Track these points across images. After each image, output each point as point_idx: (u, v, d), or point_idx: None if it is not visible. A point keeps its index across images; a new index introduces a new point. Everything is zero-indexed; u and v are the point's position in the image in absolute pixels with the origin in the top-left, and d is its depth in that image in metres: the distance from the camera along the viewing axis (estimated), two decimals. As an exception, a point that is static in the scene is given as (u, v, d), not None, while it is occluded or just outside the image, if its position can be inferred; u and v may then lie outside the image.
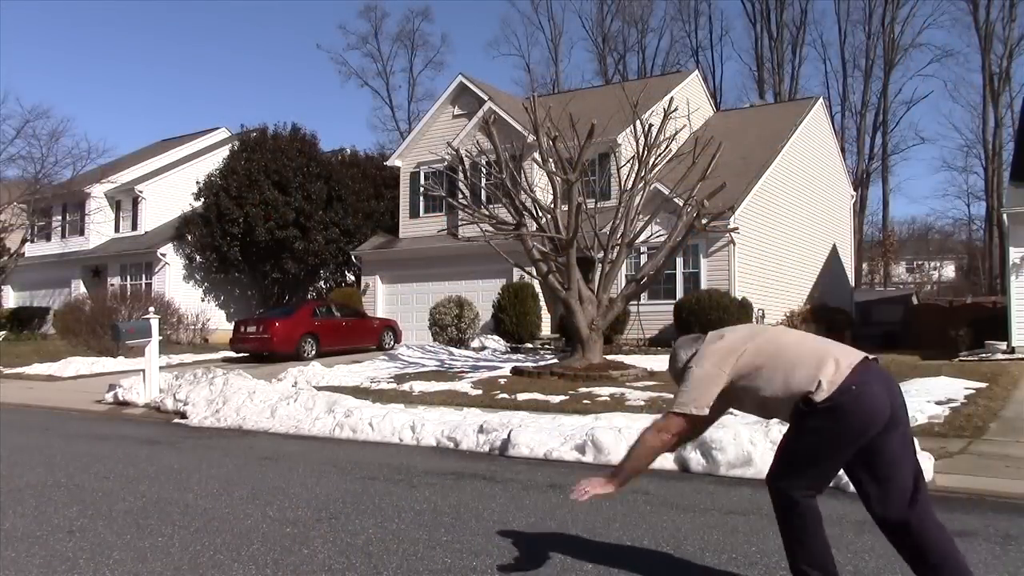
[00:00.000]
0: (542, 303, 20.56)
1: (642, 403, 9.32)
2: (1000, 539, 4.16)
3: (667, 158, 14.54)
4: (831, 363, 2.87)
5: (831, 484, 5.32)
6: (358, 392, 11.18)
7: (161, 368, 12.10)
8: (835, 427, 2.82)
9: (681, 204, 14.07)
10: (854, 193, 30.28)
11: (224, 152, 28.11)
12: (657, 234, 17.29)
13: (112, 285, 26.99)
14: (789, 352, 3.00)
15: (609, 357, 13.91)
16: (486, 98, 22.73)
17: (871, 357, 2.94)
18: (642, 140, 13.36)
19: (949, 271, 54.83)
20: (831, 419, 2.81)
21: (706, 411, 3.03)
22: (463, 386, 11.66)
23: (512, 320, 19.95)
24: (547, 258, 13.65)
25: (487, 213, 14.42)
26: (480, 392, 10.96)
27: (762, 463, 5.85)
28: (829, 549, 3.01)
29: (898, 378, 11.41)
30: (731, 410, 3.34)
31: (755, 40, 48.23)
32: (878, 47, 45.30)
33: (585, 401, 9.70)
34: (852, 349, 3.01)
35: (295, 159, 25.78)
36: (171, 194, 29.11)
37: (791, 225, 22.42)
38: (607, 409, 8.76)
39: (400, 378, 13.06)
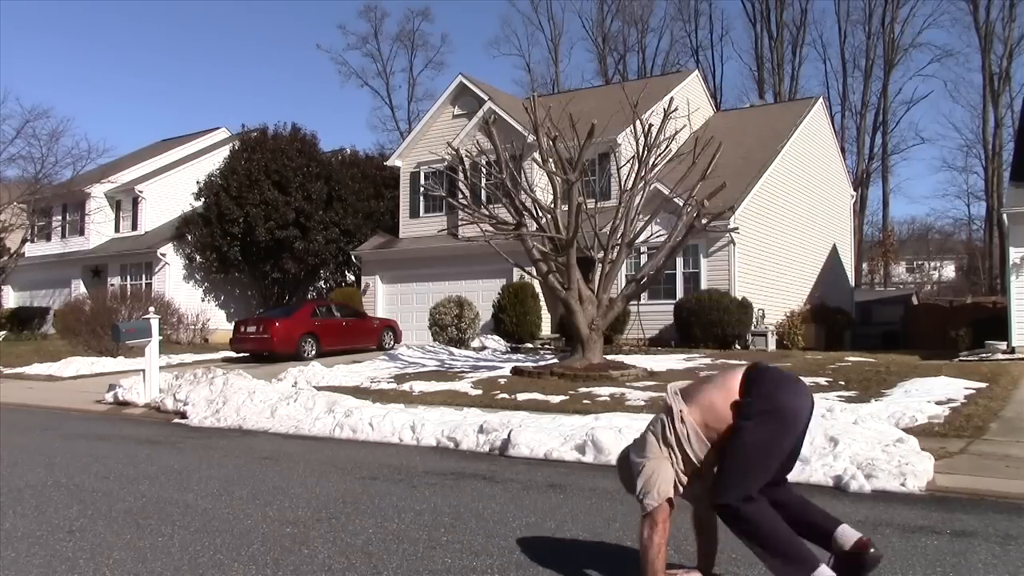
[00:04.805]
0: (542, 303, 20.56)
1: (642, 403, 9.31)
2: (1000, 539, 4.16)
3: (667, 158, 14.53)
4: None
5: (832, 484, 5.35)
6: (358, 392, 11.18)
7: (161, 368, 12.10)
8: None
9: (681, 204, 14.07)
10: (854, 193, 30.27)
11: (224, 152, 28.13)
12: (657, 234, 17.30)
13: (112, 285, 27.00)
14: None
15: (609, 357, 13.91)
16: (486, 98, 22.73)
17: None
18: (642, 140, 13.34)
19: (949, 271, 54.87)
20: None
21: (671, 491, 3.16)
22: (463, 386, 11.65)
23: (512, 320, 19.95)
24: (547, 258, 13.64)
25: (487, 213, 14.41)
26: (480, 392, 10.95)
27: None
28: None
29: (898, 378, 11.26)
30: None
31: (755, 40, 48.34)
32: (878, 47, 45.38)
33: (585, 401, 9.69)
34: None
35: (295, 159, 25.78)
36: (171, 194, 29.14)
37: (791, 225, 22.42)
38: (607, 409, 8.76)
39: (400, 378, 13.06)
